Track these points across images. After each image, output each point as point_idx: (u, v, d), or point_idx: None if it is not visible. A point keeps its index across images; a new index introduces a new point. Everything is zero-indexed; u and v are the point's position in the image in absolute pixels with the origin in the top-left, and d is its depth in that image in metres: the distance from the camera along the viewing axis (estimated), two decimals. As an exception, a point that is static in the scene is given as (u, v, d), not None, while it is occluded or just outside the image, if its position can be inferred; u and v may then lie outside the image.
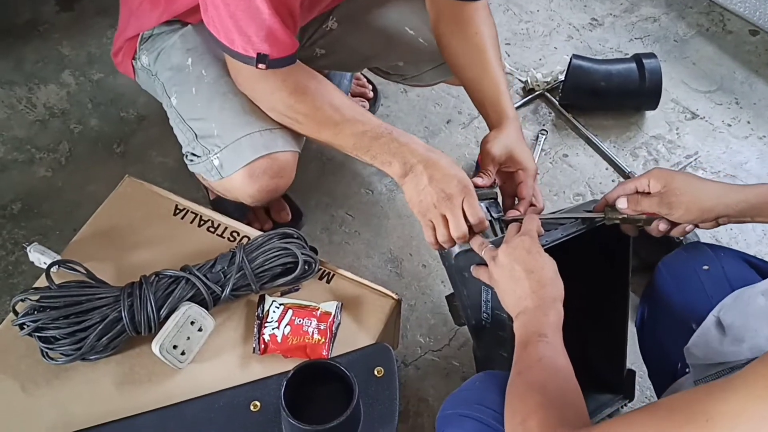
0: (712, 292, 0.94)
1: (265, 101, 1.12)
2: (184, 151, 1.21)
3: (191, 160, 1.19)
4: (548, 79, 1.79)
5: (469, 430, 0.84)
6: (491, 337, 1.06)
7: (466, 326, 1.13)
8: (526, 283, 0.87)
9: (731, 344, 0.81)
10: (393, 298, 1.11)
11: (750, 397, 0.53)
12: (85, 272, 1.03)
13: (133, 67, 1.30)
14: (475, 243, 0.98)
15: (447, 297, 1.14)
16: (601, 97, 1.73)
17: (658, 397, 1.00)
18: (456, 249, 1.02)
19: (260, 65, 1.04)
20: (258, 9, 0.99)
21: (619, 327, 1.14)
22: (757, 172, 1.68)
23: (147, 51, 1.24)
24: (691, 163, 1.69)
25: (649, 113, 1.78)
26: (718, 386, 0.56)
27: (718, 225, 0.95)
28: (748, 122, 1.78)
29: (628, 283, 1.10)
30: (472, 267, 1.00)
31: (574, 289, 0.90)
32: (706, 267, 0.98)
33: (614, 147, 1.71)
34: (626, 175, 1.65)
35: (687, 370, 0.90)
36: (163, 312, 1.00)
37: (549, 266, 0.89)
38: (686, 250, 1.05)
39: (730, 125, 1.78)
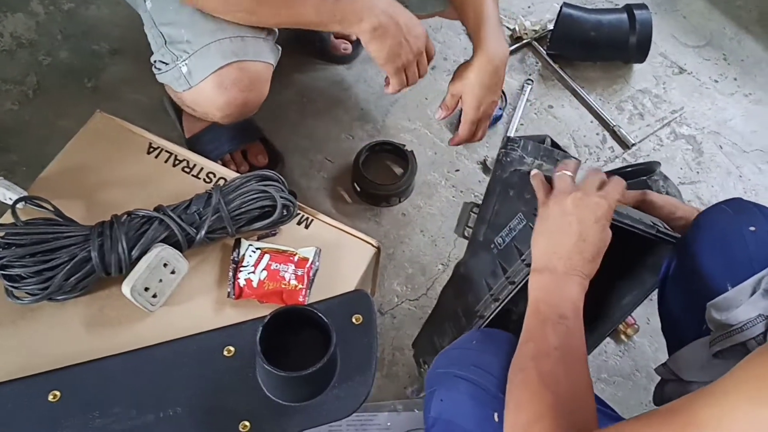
0: (756, 254, 0.87)
1: (213, 4, 1.07)
2: (152, 60, 1.15)
3: (159, 69, 1.14)
4: (536, 28, 1.75)
5: (464, 392, 0.80)
6: (488, 264, 1.00)
7: (465, 240, 1.07)
8: (571, 246, 0.81)
9: (747, 306, 0.78)
10: (373, 246, 1.08)
11: (739, 400, 0.52)
12: (53, 209, 0.99)
13: None
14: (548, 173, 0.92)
15: (465, 203, 1.07)
16: (590, 48, 1.69)
17: (669, 354, 0.96)
18: (524, 168, 0.96)
19: None
20: None
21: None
22: (741, 130, 1.67)
23: None
24: (676, 118, 1.67)
25: (636, 66, 1.75)
26: (710, 391, 0.55)
27: None
28: (735, 79, 1.76)
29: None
30: (535, 173, 0.91)
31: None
32: (752, 228, 0.90)
33: (600, 100, 1.69)
34: (611, 129, 1.63)
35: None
36: (135, 253, 0.97)
37: (600, 243, 0.82)
38: (731, 207, 0.95)
39: (716, 81, 1.75)
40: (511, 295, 0.94)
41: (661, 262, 0.97)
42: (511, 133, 1.59)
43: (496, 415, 0.76)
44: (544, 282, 0.81)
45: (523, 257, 0.91)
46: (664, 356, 1.31)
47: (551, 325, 0.77)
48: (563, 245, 0.81)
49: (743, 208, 0.93)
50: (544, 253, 0.83)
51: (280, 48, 1.15)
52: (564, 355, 0.74)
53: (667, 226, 0.94)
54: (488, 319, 0.98)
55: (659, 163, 1.46)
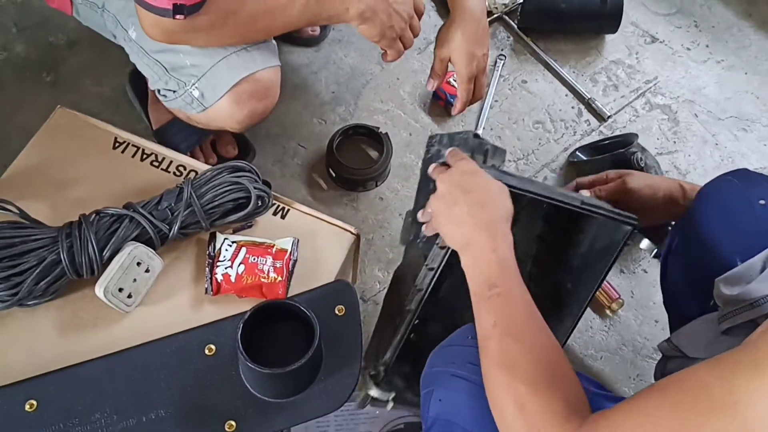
0: (766, 228, 0.85)
1: (201, 42, 1.05)
2: (154, 88, 1.12)
3: (165, 96, 1.12)
4: (506, 1, 1.72)
5: (462, 391, 0.78)
6: (416, 259, 0.98)
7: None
8: (464, 207, 0.80)
9: (760, 282, 0.77)
10: (352, 233, 1.06)
11: None
12: (17, 212, 0.95)
13: (71, 0, 1.18)
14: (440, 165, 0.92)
15: (408, 211, 1.06)
16: (562, 20, 1.67)
17: (671, 330, 0.94)
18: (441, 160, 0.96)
19: (178, 16, 0.95)
20: None
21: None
22: (715, 97, 1.66)
23: None
24: (650, 88, 1.66)
25: (609, 37, 1.73)
26: (747, 364, 0.53)
27: None
28: (707, 46, 1.75)
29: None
30: (431, 168, 0.93)
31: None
32: (762, 201, 0.87)
33: (574, 72, 1.67)
34: (586, 102, 1.61)
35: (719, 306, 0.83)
36: (106, 253, 0.93)
37: (491, 186, 0.82)
38: (738, 179, 0.92)
39: (689, 49, 1.74)
40: (433, 281, 0.93)
41: (610, 243, 0.95)
42: (486, 111, 1.57)
43: None
44: (468, 258, 0.80)
45: (437, 241, 0.91)
46: (649, 329, 1.32)
47: (483, 303, 0.75)
48: (461, 215, 0.81)
49: (751, 179, 0.91)
50: (454, 232, 0.82)
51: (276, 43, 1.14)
52: (507, 330, 0.71)
53: (614, 208, 0.93)
54: (417, 312, 0.97)
55: (636, 135, 1.45)
